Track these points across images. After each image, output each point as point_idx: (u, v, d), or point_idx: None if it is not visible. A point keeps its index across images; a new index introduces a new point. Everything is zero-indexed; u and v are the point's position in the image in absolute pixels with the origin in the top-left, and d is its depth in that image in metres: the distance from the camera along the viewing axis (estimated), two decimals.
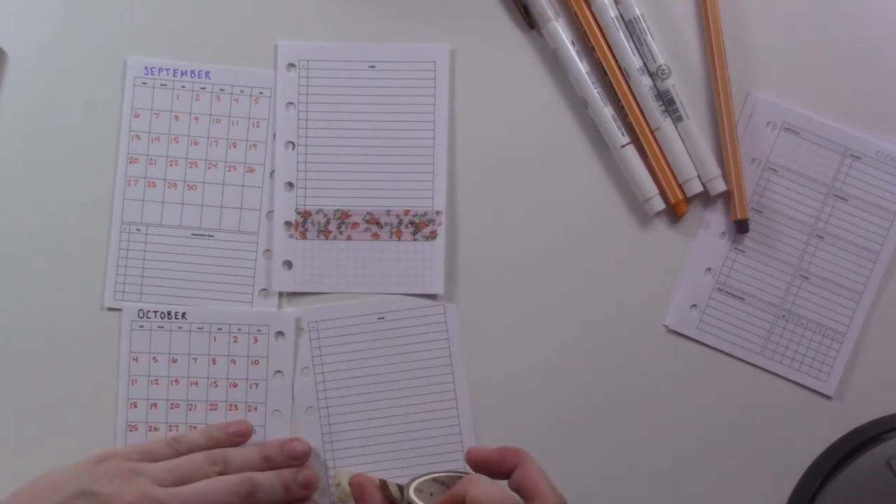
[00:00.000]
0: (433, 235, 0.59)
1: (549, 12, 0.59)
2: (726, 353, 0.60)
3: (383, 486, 0.54)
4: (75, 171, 0.58)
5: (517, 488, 0.50)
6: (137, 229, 0.58)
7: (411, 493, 0.51)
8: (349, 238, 0.59)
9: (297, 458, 0.56)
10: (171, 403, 0.58)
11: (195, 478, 0.52)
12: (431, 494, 0.52)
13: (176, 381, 0.58)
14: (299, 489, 0.55)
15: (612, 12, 0.59)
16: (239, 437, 0.56)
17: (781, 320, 0.60)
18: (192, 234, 0.59)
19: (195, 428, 0.57)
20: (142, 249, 0.58)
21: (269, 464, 0.55)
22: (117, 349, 0.58)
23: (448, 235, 0.59)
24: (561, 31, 0.59)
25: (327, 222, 0.59)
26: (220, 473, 0.53)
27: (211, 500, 0.51)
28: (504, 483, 0.50)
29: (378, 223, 0.59)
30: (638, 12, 0.59)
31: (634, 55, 0.59)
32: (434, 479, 0.53)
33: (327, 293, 0.59)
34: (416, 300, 0.59)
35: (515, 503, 0.48)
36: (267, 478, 0.54)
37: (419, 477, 0.53)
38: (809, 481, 0.59)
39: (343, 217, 0.59)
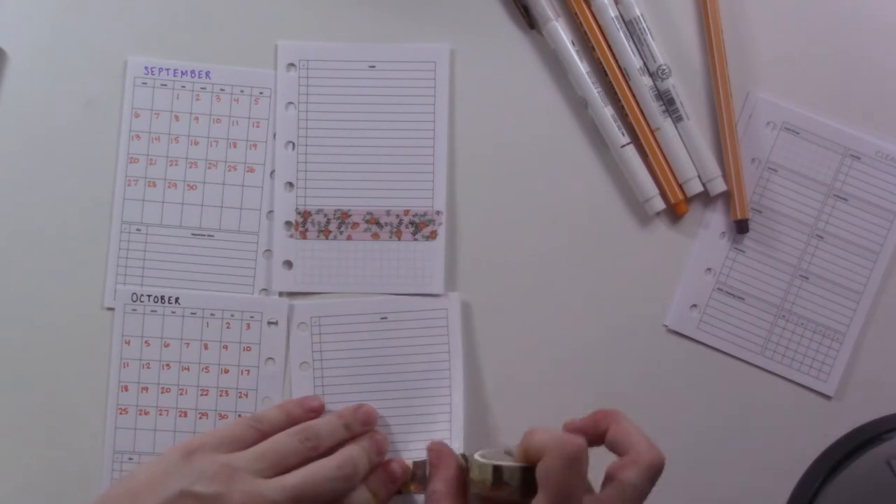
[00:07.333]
0: (433, 235, 0.59)
1: (549, 12, 0.59)
2: (726, 353, 0.60)
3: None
4: (75, 172, 0.58)
5: (613, 446, 0.49)
6: (137, 229, 0.58)
7: (477, 457, 0.49)
8: (349, 238, 0.59)
9: (371, 423, 0.56)
10: (162, 388, 0.58)
11: (291, 460, 0.52)
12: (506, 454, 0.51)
13: (167, 365, 0.58)
14: (377, 456, 0.55)
15: (612, 12, 0.59)
16: (314, 412, 0.56)
17: (781, 320, 0.60)
18: (193, 234, 0.59)
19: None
20: (142, 249, 0.58)
21: (349, 432, 0.55)
22: (111, 336, 0.58)
23: (448, 235, 0.59)
24: (561, 31, 0.59)
25: (327, 222, 0.59)
26: (314, 450, 0.53)
27: (319, 488, 0.51)
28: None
29: (378, 223, 0.59)
30: (638, 12, 0.59)
31: (634, 55, 0.59)
32: (497, 451, 0.51)
33: (327, 293, 0.59)
34: (416, 300, 0.59)
35: (570, 439, 0.45)
36: (360, 455, 0.53)
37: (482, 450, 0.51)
38: (809, 481, 0.59)
39: (343, 217, 0.59)
